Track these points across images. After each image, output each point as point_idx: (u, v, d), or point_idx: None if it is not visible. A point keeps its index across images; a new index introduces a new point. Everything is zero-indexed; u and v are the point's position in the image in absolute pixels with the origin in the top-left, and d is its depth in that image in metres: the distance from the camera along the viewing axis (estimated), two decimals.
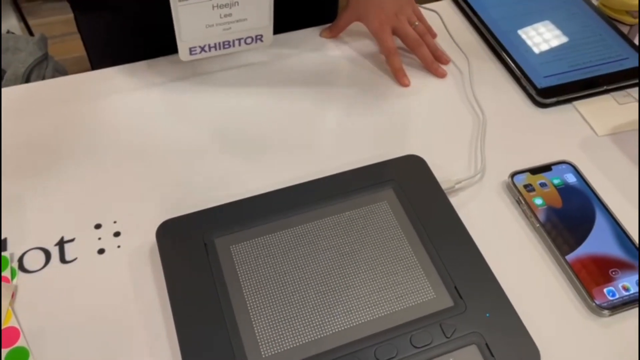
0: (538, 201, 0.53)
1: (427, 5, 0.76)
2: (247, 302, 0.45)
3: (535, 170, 0.56)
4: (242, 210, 0.50)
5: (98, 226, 0.51)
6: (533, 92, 0.64)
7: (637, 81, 0.65)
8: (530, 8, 0.74)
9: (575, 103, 0.64)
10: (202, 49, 0.61)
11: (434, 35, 0.69)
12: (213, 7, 0.57)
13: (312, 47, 0.70)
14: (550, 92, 0.64)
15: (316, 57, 0.69)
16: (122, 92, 0.63)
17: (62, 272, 0.48)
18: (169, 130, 0.60)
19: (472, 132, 0.61)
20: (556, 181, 0.55)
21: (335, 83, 0.66)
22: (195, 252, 0.47)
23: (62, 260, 0.49)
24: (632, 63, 0.66)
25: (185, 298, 0.45)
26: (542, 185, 0.54)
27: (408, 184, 0.53)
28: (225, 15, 0.59)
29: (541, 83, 0.64)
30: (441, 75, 0.66)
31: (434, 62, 0.66)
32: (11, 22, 1.72)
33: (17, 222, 0.51)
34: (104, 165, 0.56)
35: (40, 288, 0.47)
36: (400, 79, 0.65)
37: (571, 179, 0.55)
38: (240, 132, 0.60)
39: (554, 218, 0.52)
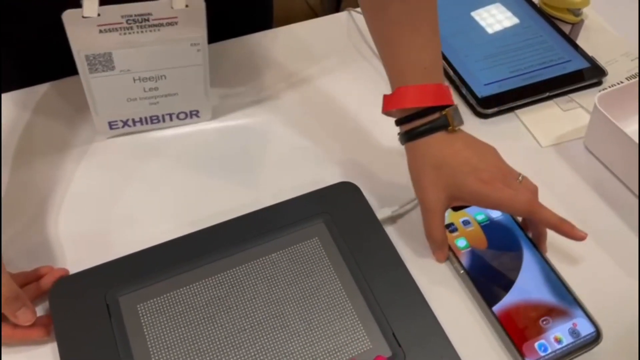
0: (461, 243, 0.48)
1: (359, 9, 0.71)
2: None
3: (456, 207, 0.50)
4: (150, 261, 0.44)
5: None
6: (474, 102, 0.60)
7: (579, 85, 0.62)
8: (470, 9, 0.70)
9: (518, 111, 0.60)
10: (125, 123, 0.53)
11: None
12: (134, 79, 0.50)
13: (242, 59, 0.64)
14: (491, 101, 0.60)
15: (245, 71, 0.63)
16: (16, 119, 0.56)
17: None
18: (65, 167, 0.53)
19: None
20: (480, 217, 0.50)
21: (270, 101, 0.60)
22: (96, 314, 0.41)
23: None
24: (574, 66, 0.63)
25: None
26: (465, 223, 0.49)
27: (341, 215, 0.48)
28: (151, 89, 0.51)
29: (481, 92, 0.60)
30: (584, 237, 0.46)
31: (565, 222, 0.46)
32: None
33: None
34: None
35: None
36: (542, 243, 0.48)
37: (495, 212, 0.50)
38: (144, 164, 0.54)
39: (479, 262, 0.47)
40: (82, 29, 0.45)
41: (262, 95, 0.61)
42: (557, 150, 0.57)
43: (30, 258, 0.46)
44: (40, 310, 0.43)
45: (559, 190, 0.54)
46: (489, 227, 0.49)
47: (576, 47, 0.66)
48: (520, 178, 0.46)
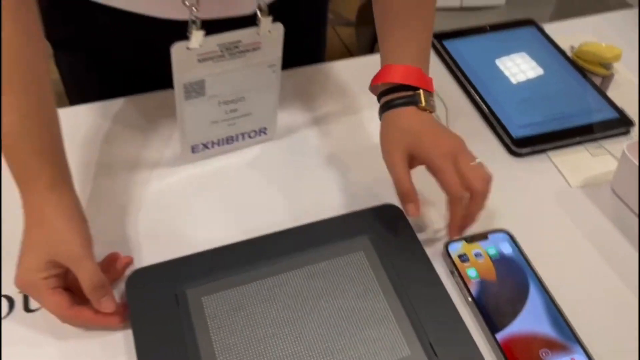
0: (472, 273, 0.52)
1: None
2: (217, 356, 0.44)
3: (471, 239, 0.54)
4: (216, 260, 0.50)
5: None
6: (509, 142, 0.65)
7: (608, 133, 0.67)
8: (507, 57, 0.76)
9: (550, 153, 0.65)
10: (205, 146, 0.59)
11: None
12: (219, 103, 0.55)
13: (294, 93, 0.70)
14: (525, 142, 0.65)
15: (296, 104, 0.69)
16: (98, 130, 0.63)
17: (26, 321, 0.46)
18: (143, 174, 0.59)
19: None
20: (491, 251, 0.54)
21: (314, 132, 0.66)
22: (166, 303, 0.46)
23: (26, 309, 0.47)
24: (604, 115, 0.68)
25: (153, 350, 0.44)
26: (477, 255, 0.53)
27: (385, 233, 0.53)
28: (231, 111, 0.57)
29: (516, 132, 0.66)
30: (456, 236, 0.53)
31: (472, 221, 0.52)
32: None
33: None
34: None
35: (4, 336, 0.45)
36: (452, 229, 0.53)
37: (507, 249, 0.54)
38: (214, 178, 0.60)
39: (487, 292, 0.50)
40: (185, 60, 0.50)
41: (311, 122, 0.67)
42: (586, 191, 0.62)
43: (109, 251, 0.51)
44: (116, 296, 0.48)
45: (586, 229, 0.58)
46: (499, 261, 0.53)
47: (606, 98, 0.71)
48: (476, 162, 0.51)
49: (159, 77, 0.59)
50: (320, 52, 0.80)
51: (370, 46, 1.68)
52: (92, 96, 0.65)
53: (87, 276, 0.44)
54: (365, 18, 1.58)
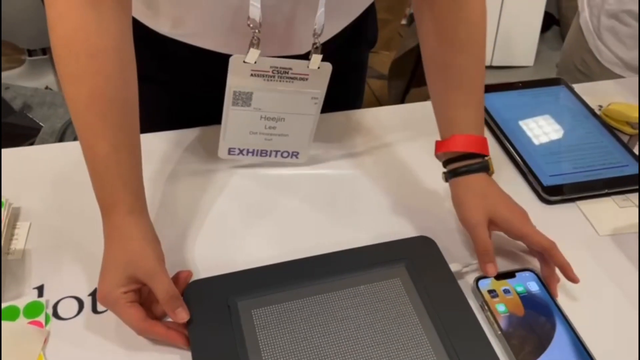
0: (501, 308, 0.55)
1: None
2: None
3: (499, 276, 0.57)
4: (264, 277, 0.54)
5: None
6: (539, 189, 0.69)
7: (636, 187, 0.70)
8: (539, 112, 0.81)
9: (579, 202, 0.69)
10: (241, 151, 0.66)
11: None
12: (261, 117, 0.62)
13: (333, 132, 0.76)
14: (556, 190, 0.69)
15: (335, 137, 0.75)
16: (154, 158, 0.69)
17: (94, 322, 0.51)
18: (201, 197, 0.65)
19: None
20: (519, 288, 0.57)
21: (353, 160, 0.72)
22: (219, 313, 0.51)
23: (94, 310, 0.52)
24: (631, 170, 0.72)
25: (207, 355, 0.48)
26: (506, 291, 0.56)
27: (419, 263, 0.57)
28: (270, 127, 0.64)
29: (547, 181, 0.70)
30: (577, 280, 0.56)
31: (569, 265, 0.56)
32: (49, 79, 1.83)
33: (54, 270, 0.55)
34: None
35: (71, 336, 0.50)
36: (568, 272, 0.56)
37: (534, 287, 0.57)
38: (264, 203, 0.65)
39: (515, 326, 0.53)
40: (239, 71, 0.58)
41: (345, 156, 0.73)
42: (614, 240, 0.64)
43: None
44: None
45: (613, 274, 0.60)
46: (527, 298, 0.56)
47: (633, 154, 0.74)
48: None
49: (220, 108, 0.65)
50: (356, 102, 0.87)
51: (400, 98, 1.76)
52: (159, 125, 0.72)
53: (162, 288, 0.48)
54: (398, 72, 1.66)
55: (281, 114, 0.63)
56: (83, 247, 0.57)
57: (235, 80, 0.59)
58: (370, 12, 0.76)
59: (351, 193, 0.69)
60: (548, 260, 0.57)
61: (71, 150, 0.68)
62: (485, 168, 0.60)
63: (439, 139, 0.64)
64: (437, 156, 0.63)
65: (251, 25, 0.54)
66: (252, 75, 0.59)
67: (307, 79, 0.60)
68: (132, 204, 0.51)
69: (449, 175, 0.61)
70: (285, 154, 0.67)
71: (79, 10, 0.48)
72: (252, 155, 0.66)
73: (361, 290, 0.54)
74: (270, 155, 0.67)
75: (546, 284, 0.57)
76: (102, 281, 0.49)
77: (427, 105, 0.82)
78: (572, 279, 0.56)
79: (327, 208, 0.66)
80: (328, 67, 0.60)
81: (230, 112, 0.61)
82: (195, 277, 0.53)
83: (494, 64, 1.65)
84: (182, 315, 0.49)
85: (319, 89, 0.62)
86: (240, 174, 0.68)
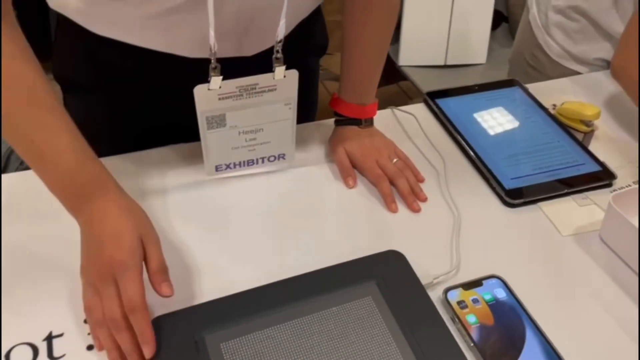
0: (471, 319, 0.55)
1: (404, 108, 0.83)
2: None
3: (467, 286, 0.57)
4: (232, 306, 0.52)
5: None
6: (502, 193, 0.69)
7: (593, 185, 0.72)
8: (496, 115, 0.82)
9: (540, 204, 0.70)
10: (228, 166, 0.65)
11: (420, 180, 0.71)
12: (239, 133, 0.62)
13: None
14: (517, 193, 0.69)
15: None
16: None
17: None
18: (157, 222, 0.62)
19: (447, 229, 0.65)
20: (487, 297, 0.57)
21: (316, 173, 0.70)
22: (186, 350, 0.48)
23: (50, 356, 0.49)
24: (588, 168, 0.73)
25: None
26: (475, 301, 0.56)
27: (390, 279, 0.56)
28: (250, 140, 0.63)
29: (508, 184, 0.70)
30: (415, 209, 0.67)
31: (411, 194, 0.68)
32: None
33: (5, 315, 0.51)
34: None
35: None
36: (389, 204, 0.67)
37: (501, 294, 0.57)
38: (223, 225, 0.63)
39: (487, 337, 0.53)
40: (206, 99, 0.57)
41: (306, 171, 0.72)
42: (576, 239, 0.66)
43: None
44: None
45: (577, 274, 0.61)
46: (495, 306, 0.56)
47: (588, 152, 0.76)
48: (395, 160, 0.71)
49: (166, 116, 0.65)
50: (311, 111, 0.86)
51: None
52: (101, 140, 0.68)
53: (159, 255, 0.49)
54: None
55: (258, 125, 0.63)
56: (36, 287, 0.54)
57: (205, 107, 0.58)
58: (316, 18, 0.76)
59: (316, 209, 0.67)
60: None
61: (11, 181, 0.64)
62: (357, 122, 0.73)
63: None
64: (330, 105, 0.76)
65: (210, 53, 0.54)
66: (220, 99, 0.58)
67: (275, 89, 0.60)
68: (114, 180, 0.53)
69: (335, 123, 0.75)
70: (272, 158, 0.67)
71: None
72: (240, 167, 0.66)
73: (333, 312, 0.53)
74: (257, 163, 0.67)
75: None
76: (112, 248, 0.48)
77: (387, 113, 0.82)
78: (410, 207, 0.68)
79: (293, 226, 0.64)
80: (294, 73, 0.60)
81: (207, 136, 0.61)
82: (158, 313, 0.51)
83: (448, 63, 1.67)
84: (168, 290, 0.49)
85: (290, 94, 0.62)
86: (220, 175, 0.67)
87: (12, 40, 0.50)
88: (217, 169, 0.65)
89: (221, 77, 0.55)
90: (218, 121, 0.60)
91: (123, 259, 0.48)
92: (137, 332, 0.47)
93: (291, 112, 0.63)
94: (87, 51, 0.66)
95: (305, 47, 0.77)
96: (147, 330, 0.47)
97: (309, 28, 0.75)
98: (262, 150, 0.65)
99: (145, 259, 0.50)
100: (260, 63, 0.60)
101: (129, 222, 0.50)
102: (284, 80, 0.59)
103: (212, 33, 0.53)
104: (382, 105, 0.79)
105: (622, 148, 0.79)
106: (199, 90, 0.56)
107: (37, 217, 0.60)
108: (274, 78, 0.59)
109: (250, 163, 0.66)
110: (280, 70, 0.58)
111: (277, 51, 0.58)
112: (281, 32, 0.57)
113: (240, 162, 0.65)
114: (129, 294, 0.46)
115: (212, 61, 0.55)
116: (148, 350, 0.47)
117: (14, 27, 0.51)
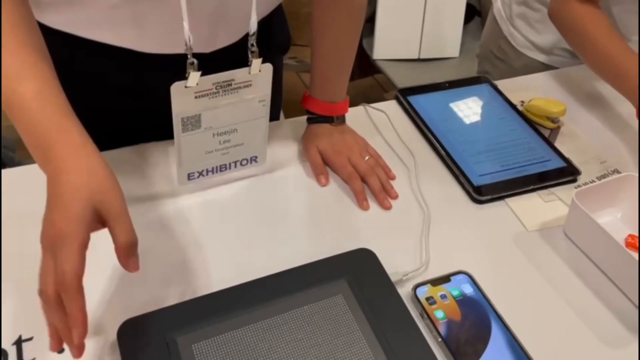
0: (439, 314, 0.56)
1: (375, 105, 0.84)
2: None
3: (435, 282, 0.59)
4: (203, 307, 0.52)
5: None
6: (470, 190, 0.71)
7: (558, 181, 0.74)
8: (465, 111, 0.83)
9: (507, 200, 0.71)
10: (200, 173, 0.64)
11: (391, 177, 0.72)
12: (213, 134, 0.61)
13: None
14: (485, 190, 0.71)
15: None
16: None
17: None
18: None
19: (417, 226, 0.66)
20: (455, 292, 0.58)
21: (284, 172, 0.71)
22: (157, 352, 0.48)
23: None
24: (553, 164, 0.75)
25: None
26: (443, 297, 0.57)
27: (360, 277, 0.57)
28: (225, 142, 0.63)
29: (477, 181, 0.72)
30: (386, 207, 0.68)
31: (382, 192, 0.69)
32: None
33: None
34: None
35: None
36: (360, 201, 0.68)
37: (468, 289, 0.59)
38: (193, 227, 0.63)
39: (454, 332, 0.54)
40: (183, 97, 0.56)
41: (274, 170, 0.72)
42: (541, 234, 0.68)
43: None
44: (108, 346, 0.50)
45: (542, 269, 0.63)
46: (462, 301, 0.57)
47: (554, 148, 0.78)
48: (366, 158, 0.72)
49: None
50: (275, 108, 0.87)
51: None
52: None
53: (126, 230, 0.43)
54: None
55: (233, 125, 0.62)
56: (5, 290, 0.53)
57: (180, 107, 0.57)
58: (277, 15, 0.76)
59: (289, 207, 0.68)
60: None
61: None
62: (328, 120, 0.74)
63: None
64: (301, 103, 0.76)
65: (186, 48, 0.53)
66: (196, 97, 0.57)
67: (250, 85, 0.60)
68: (81, 132, 0.46)
69: (307, 121, 0.76)
70: (244, 162, 0.67)
71: None
72: (213, 173, 0.65)
73: (304, 311, 0.53)
74: (230, 168, 0.66)
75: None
76: (58, 213, 0.41)
77: (359, 110, 0.83)
78: (381, 204, 0.69)
79: (265, 226, 0.65)
80: (269, 67, 0.60)
81: (182, 139, 0.60)
82: (128, 315, 0.51)
83: (422, 57, 1.68)
84: (135, 265, 0.43)
85: (264, 91, 0.62)
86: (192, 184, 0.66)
87: None
88: (190, 177, 0.64)
89: (199, 73, 0.54)
90: (193, 122, 0.59)
91: (63, 228, 0.41)
92: (68, 313, 0.41)
93: (265, 110, 0.64)
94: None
95: (268, 44, 0.76)
96: (77, 313, 0.41)
97: (271, 25, 0.75)
98: (235, 153, 0.65)
99: (110, 230, 0.43)
100: (231, 59, 0.59)
101: (83, 187, 0.42)
102: (259, 75, 0.59)
103: (186, 26, 0.52)
104: (357, 98, 0.80)
105: (587, 145, 0.81)
106: (176, 88, 0.55)
107: (10, 218, 0.59)
108: (249, 72, 0.58)
109: (223, 168, 0.65)
110: (256, 63, 0.58)
111: (252, 45, 0.57)
112: (254, 24, 0.56)
113: (213, 169, 0.64)
114: (62, 269, 0.40)
115: (189, 56, 0.54)
116: (77, 335, 0.41)
117: None
